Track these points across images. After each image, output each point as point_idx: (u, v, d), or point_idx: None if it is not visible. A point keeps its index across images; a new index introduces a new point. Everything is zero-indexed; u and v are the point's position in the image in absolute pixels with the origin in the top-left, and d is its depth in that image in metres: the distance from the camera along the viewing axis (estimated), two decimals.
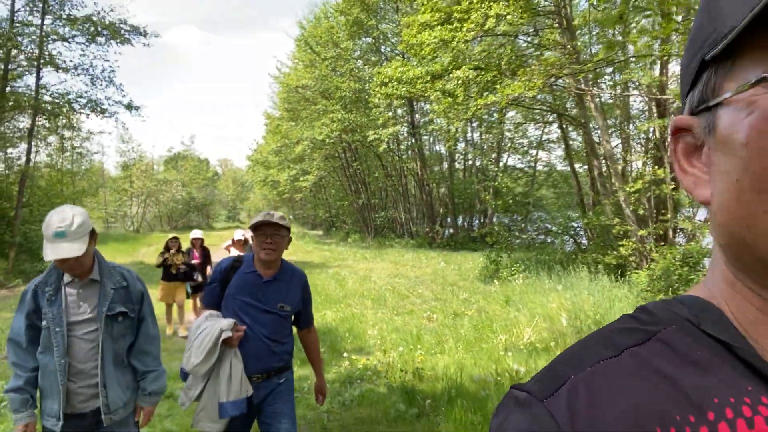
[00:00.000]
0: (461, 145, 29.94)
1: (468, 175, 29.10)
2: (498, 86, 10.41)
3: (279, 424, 2.65)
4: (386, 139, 21.89)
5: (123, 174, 50.65)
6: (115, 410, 2.46)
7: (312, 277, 14.05)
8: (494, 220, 27.07)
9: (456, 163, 30.04)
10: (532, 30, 12.91)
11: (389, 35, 25.11)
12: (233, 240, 7.61)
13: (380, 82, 13.52)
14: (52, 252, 2.25)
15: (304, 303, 2.86)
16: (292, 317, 2.84)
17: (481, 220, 28.11)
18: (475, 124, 26.57)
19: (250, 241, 7.59)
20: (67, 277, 2.45)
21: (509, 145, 28.27)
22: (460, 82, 10.89)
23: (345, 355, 6.19)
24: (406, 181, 29.53)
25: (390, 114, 20.65)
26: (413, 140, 26.56)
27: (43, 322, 2.38)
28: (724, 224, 0.44)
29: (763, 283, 0.44)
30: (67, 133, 19.84)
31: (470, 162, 29.74)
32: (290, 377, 2.84)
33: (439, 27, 11.42)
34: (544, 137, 26.41)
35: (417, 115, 26.49)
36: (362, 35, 25.17)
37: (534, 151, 27.33)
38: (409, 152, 28.35)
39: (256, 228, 2.70)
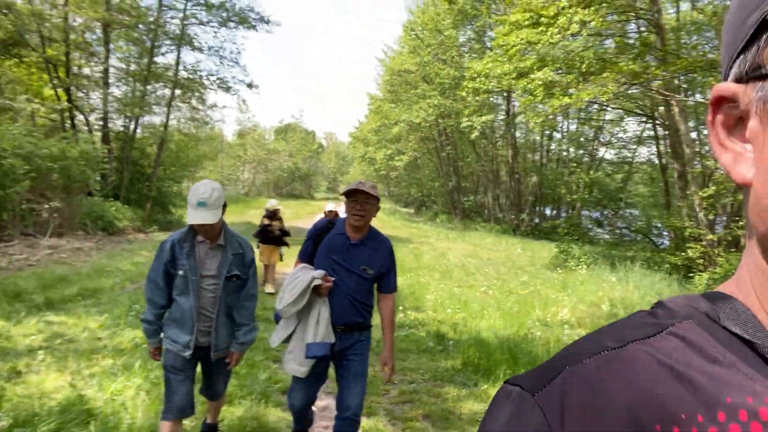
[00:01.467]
0: (557, 135, 30.06)
1: (559, 166, 29.18)
2: (574, 89, 11.17)
3: (352, 377, 2.92)
4: (479, 127, 22.78)
5: (239, 141, 55.46)
6: (220, 349, 2.97)
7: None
8: (582, 212, 27.16)
9: (550, 154, 30.18)
10: (618, 34, 13.33)
11: (491, 26, 25.73)
12: (324, 212, 8.71)
13: (469, 77, 14.59)
14: (194, 217, 2.72)
15: (388, 269, 2.99)
16: (375, 281, 3.01)
17: (569, 212, 28.21)
18: (572, 115, 26.61)
19: (340, 215, 8.69)
20: (199, 238, 2.91)
21: (607, 138, 27.96)
22: (540, 83, 11.76)
23: (401, 308, 7.68)
24: (497, 167, 30.18)
25: (479, 101, 21.45)
26: (507, 129, 27.12)
27: (180, 271, 2.85)
28: None
29: None
30: (194, 102, 22.67)
31: (564, 153, 29.79)
32: (368, 336, 3.05)
33: (527, 30, 12.28)
34: (644, 134, 25.90)
35: (515, 104, 27.03)
36: (466, 24, 25.98)
37: (634, 147, 26.88)
38: (503, 140, 28.92)
39: (348, 194, 2.91)
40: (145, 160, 20.43)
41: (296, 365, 2.80)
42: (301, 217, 26.57)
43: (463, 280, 11.38)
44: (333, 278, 2.85)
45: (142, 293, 7.91)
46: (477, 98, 18.20)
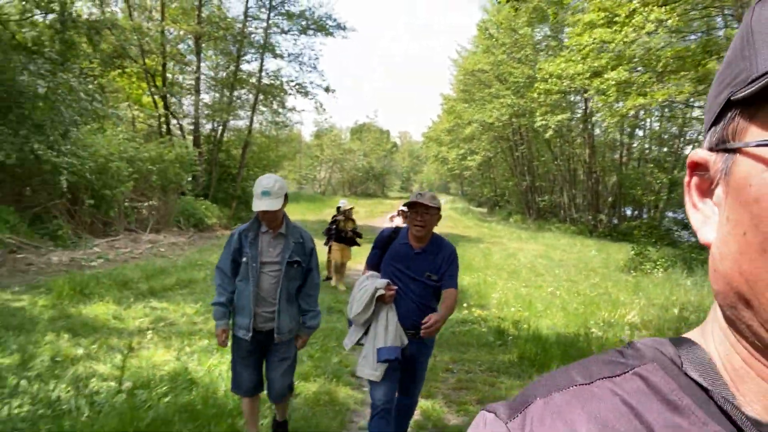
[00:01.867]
0: (639, 133, 28.94)
1: (641, 165, 28.07)
2: (648, 89, 10.97)
3: (414, 381, 3.18)
4: (553, 125, 22.47)
5: (316, 142, 57.41)
6: (283, 333, 3.16)
7: (462, 249, 15.87)
8: (667, 214, 26.00)
9: (631, 152, 29.09)
10: (701, 32, 12.85)
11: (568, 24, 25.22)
12: (398, 211, 9.28)
13: (541, 78, 14.57)
14: (258, 205, 2.99)
15: (450, 271, 3.10)
16: (439, 284, 3.10)
17: (651, 213, 27.09)
18: (655, 113, 25.56)
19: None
20: (263, 228, 3.13)
21: (694, 136, 26.59)
22: (613, 82, 11.63)
23: (465, 305, 8.02)
24: (574, 167, 29.50)
25: (553, 101, 21.16)
26: (584, 127, 26.47)
27: (243, 259, 3.09)
28: (723, 273, 0.42)
29: (752, 338, 0.42)
30: (275, 106, 23.92)
31: (647, 151, 28.63)
32: (433, 342, 3.25)
33: (600, 29, 12.16)
34: None
35: (591, 102, 26.31)
36: (542, 22, 25.63)
37: None
38: (580, 138, 28.23)
39: (409, 206, 3.07)
40: (230, 162, 21.89)
41: (370, 369, 2.92)
42: (375, 216, 27.31)
43: (531, 281, 11.49)
44: (395, 287, 2.98)
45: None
46: (551, 98, 18.03)
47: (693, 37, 13.41)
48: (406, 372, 3.10)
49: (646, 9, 11.11)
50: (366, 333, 3.02)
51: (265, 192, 2.99)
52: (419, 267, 3.04)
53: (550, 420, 0.45)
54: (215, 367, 4.44)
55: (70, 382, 3.77)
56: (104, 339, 5.21)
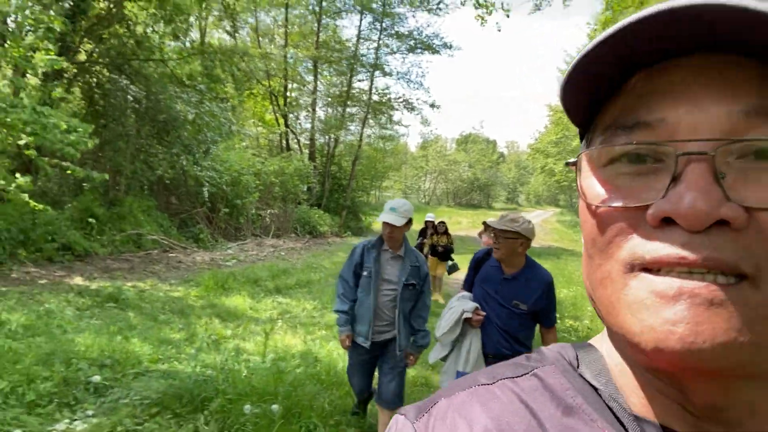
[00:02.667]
0: None
1: None
2: None
3: None
4: None
5: (421, 153, 58.71)
6: (402, 347, 3.33)
7: (564, 262, 15.92)
8: None
9: None
10: None
11: None
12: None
13: None
14: (384, 217, 3.18)
15: (545, 305, 2.92)
16: (532, 315, 2.94)
17: None
18: None
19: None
20: (385, 246, 3.32)
21: None
22: None
23: (559, 315, 8.44)
24: None
25: None
26: None
27: (365, 272, 3.27)
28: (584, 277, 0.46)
29: (610, 333, 0.46)
30: (383, 121, 25.23)
31: None
32: None
33: None
34: None
35: None
36: None
37: None
38: None
39: (487, 228, 3.51)
40: (341, 174, 23.50)
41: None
42: (478, 226, 27.65)
43: None
44: (484, 313, 2.94)
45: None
46: None
47: None
48: None
49: None
50: (451, 351, 3.04)
51: (393, 208, 3.22)
52: (507, 293, 2.92)
53: (450, 417, 0.48)
54: (334, 350, 5.40)
55: (228, 354, 4.89)
56: (246, 324, 6.42)
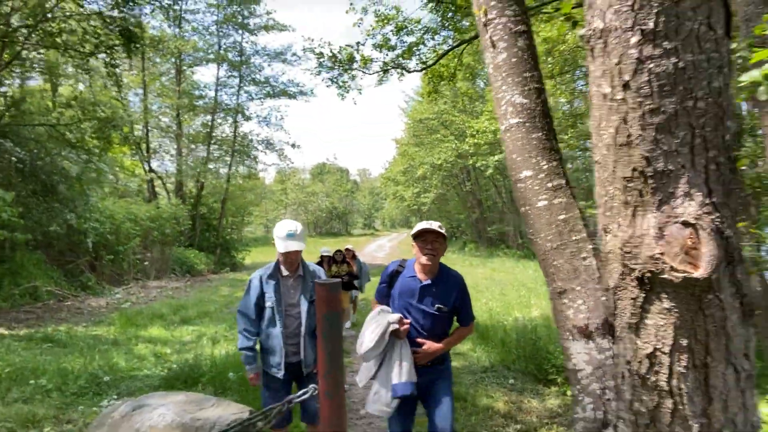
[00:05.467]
0: (570, 165, 33.03)
1: None
2: None
3: (440, 405, 3.00)
4: (492, 165, 26.07)
5: (279, 186, 60.21)
6: (309, 365, 3.35)
7: None
8: None
9: None
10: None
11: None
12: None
13: (470, 134, 18.04)
14: (286, 246, 3.17)
15: (463, 303, 3.08)
16: (452, 314, 3.08)
17: None
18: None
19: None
20: (283, 272, 3.32)
21: None
22: None
23: None
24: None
25: (488, 146, 24.79)
26: None
27: (268, 303, 3.26)
28: None
29: None
30: (248, 162, 26.76)
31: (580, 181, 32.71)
32: (449, 365, 3.18)
33: None
34: None
35: None
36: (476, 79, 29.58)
37: None
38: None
39: (418, 235, 2.99)
40: (210, 214, 24.49)
41: (382, 406, 2.89)
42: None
43: (473, 296, 14.55)
44: (409, 320, 2.97)
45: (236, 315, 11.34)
46: (483, 147, 21.51)
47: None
48: (427, 402, 3.07)
49: None
50: (379, 368, 2.97)
51: (290, 234, 3.21)
52: (429, 299, 2.99)
53: None
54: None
55: (191, 354, 6.53)
56: (176, 346, 7.94)
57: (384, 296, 3.20)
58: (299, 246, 3.25)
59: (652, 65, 1.15)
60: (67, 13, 12.06)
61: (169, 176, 23.93)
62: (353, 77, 9.38)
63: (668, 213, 1.19)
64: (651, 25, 1.14)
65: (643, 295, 1.27)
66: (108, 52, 11.75)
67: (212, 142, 23.93)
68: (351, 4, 9.41)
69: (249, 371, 3.34)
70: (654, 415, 1.34)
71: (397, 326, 2.90)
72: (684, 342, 1.23)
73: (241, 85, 24.47)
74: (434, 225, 2.99)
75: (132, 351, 7.42)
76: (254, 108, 31.34)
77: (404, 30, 9.72)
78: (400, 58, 9.21)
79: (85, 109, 13.89)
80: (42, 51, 12.85)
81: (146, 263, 16.99)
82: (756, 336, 1.30)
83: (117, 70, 12.25)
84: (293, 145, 25.28)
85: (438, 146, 30.52)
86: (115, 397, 4.94)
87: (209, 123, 24.14)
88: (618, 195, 1.28)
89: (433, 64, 9.50)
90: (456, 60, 10.01)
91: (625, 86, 1.19)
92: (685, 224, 1.17)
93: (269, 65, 32.06)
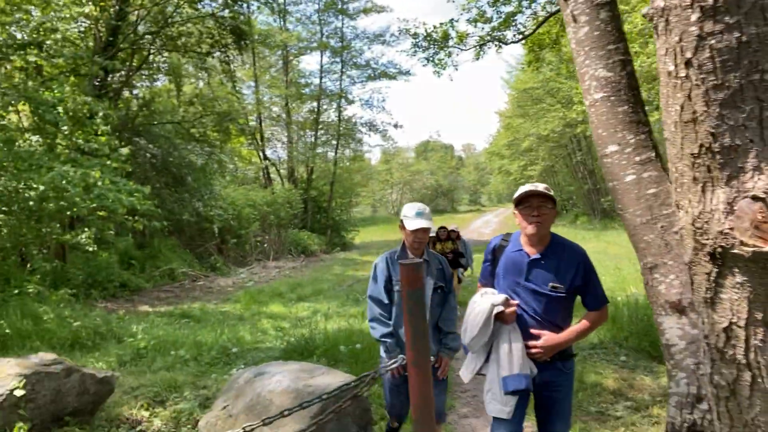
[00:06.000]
0: None
1: None
2: None
3: (554, 418, 2.60)
4: None
5: (384, 167, 61.38)
6: (433, 353, 3.10)
7: None
8: None
9: None
10: None
11: None
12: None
13: (578, 100, 17.12)
14: (415, 224, 3.07)
15: (585, 281, 2.54)
16: (574, 296, 2.58)
17: None
18: None
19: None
20: (409, 257, 3.16)
21: None
22: None
23: None
24: None
25: None
26: None
27: (396, 287, 3.11)
28: None
29: None
30: (353, 145, 27.62)
31: None
32: (572, 368, 2.65)
33: None
34: None
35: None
36: None
37: None
38: None
39: (520, 201, 2.57)
40: (320, 197, 25.70)
41: (499, 405, 2.50)
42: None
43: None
44: (516, 302, 2.56)
45: (350, 291, 12.01)
46: None
47: None
48: (541, 408, 2.64)
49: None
50: (487, 360, 2.60)
51: (419, 212, 3.11)
52: (540, 276, 2.54)
53: None
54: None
55: (307, 328, 7.09)
56: (294, 321, 8.60)
57: (489, 276, 2.80)
58: (429, 224, 3.12)
59: (713, 41, 1.14)
60: (185, 17, 13.18)
61: (282, 163, 25.40)
62: (449, 54, 9.35)
63: (737, 188, 1.18)
64: (711, 1, 1.13)
65: (716, 270, 1.27)
66: (222, 50, 12.69)
67: (319, 127, 24.97)
68: None
69: (393, 361, 2.32)
70: (734, 388, 1.34)
71: (502, 308, 2.50)
72: (759, 315, 1.23)
73: (344, 69, 25.20)
74: (540, 187, 2.55)
75: (256, 325, 8.15)
76: (357, 92, 32.54)
77: (501, 0, 9.47)
78: (497, 30, 9.01)
79: (206, 105, 15.20)
80: (165, 54, 14.20)
81: (265, 245, 18.29)
82: None
83: (231, 66, 13.20)
84: (396, 126, 25.84)
85: (544, 116, 29.37)
86: (242, 366, 5.50)
87: (315, 109, 25.16)
88: (687, 171, 1.28)
89: (532, 33, 9.20)
90: (558, 25, 9.60)
91: (688, 63, 1.19)
92: (755, 198, 1.16)
93: (369, 48, 32.76)
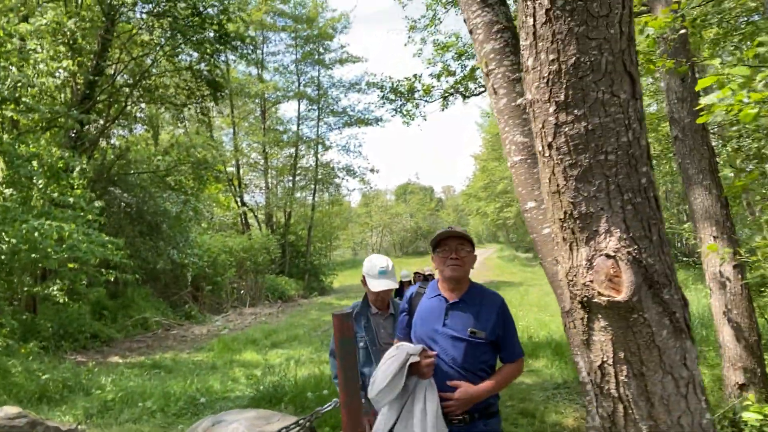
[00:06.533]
0: None
1: None
2: None
3: None
4: None
5: (364, 210, 61.80)
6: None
7: (503, 292, 18.66)
8: None
9: None
10: None
11: None
12: (401, 282, 8.77)
13: None
14: (378, 285, 3.05)
15: (505, 332, 2.39)
16: (493, 346, 2.38)
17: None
18: None
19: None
20: (372, 310, 3.21)
21: None
22: None
23: None
24: None
25: None
26: None
27: (361, 343, 3.10)
28: None
29: None
30: (331, 190, 27.95)
31: None
32: (496, 427, 2.42)
33: None
34: None
35: None
36: None
37: None
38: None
39: (438, 243, 2.46)
40: (298, 241, 25.79)
41: None
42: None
43: (552, 310, 14.30)
44: (434, 352, 2.34)
45: (324, 336, 12.02)
46: None
47: None
48: None
49: None
50: (398, 418, 2.29)
51: (383, 271, 3.07)
52: (460, 321, 2.37)
53: None
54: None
55: (278, 375, 7.12)
56: (266, 368, 8.60)
57: (405, 328, 2.60)
58: (392, 285, 3.09)
59: (567, 129, 1.40)
60: (162, 70, 13.54)
61: (260, 208, 25.56)
62: (417, 105, 9.80)
63: (594, 247, 1.42)
64: (562, 97, 1.40)
65: (587, 315, 1.50)
66: (198, 102, 13.02)
67: (297, 172, 25.34)
68: (409, 36, 9.92)
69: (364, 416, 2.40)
70: (614, 419, 1.55)
71: (417, 358, 2.25)
72: (621, 354, 1.45)
73: (321, 116, 25.77)
74: (458, 229, 2.49)
75: (227, 374, 8.14)
76: (334, 137, 33.33)
77: (465, 55, 10.00)
78: (460, 84, 9.51)
79: (182, 154, 15.42)
80: (143, 105, 14.50)
81: (242, 291, 18.23)
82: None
83: (208, 117, 13.52)
84: (372, 170, 26.18)
85: None
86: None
87: (293, 155, 25.57)
88: (558, 233, 1.52)
89: None
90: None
91: (549, 146, 1.45)
92: (608, 256, 1.40)
93: (346, 96, 33.56)
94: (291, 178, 25.52)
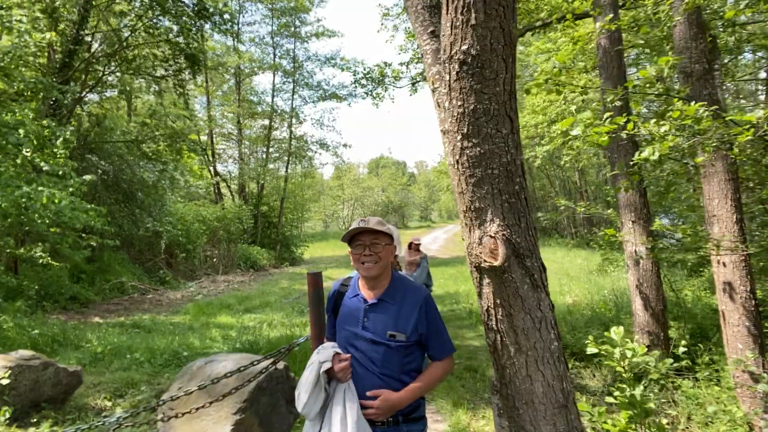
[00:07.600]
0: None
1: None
2: None
3: None
4: (540, 156, 26.39)
5: (336, 182, 62.26)
6: None
7: (450, 268, 19.65)
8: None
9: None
10: None
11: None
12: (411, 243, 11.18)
13: None
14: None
15: (431, 329, 2.30)
16: (418, 347, 2.32)
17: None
18: None
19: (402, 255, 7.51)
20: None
21: None
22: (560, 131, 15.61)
23: (446, 302, 11.94)
24: (568, 188, 33.29)
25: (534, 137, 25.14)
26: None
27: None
28: None
29: None
30: (304, 163, 28.35)
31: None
32: (423, 426, 2.34)
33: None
34: None
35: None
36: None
37: None
38: (571, 163, 32.03)
39: (351, 240, 2.35)
40: (270, 212, 26.26)
41: None
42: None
43: None
44: (348, 355, 2.23)
45: (294, 303, 12.76)
46: (526, 138, 22.06)
47: None
48: None
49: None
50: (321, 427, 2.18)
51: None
52: (378, 324, 2.26)
53: None
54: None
55: (254, 334, 7.82)
56: (240, 330, 9.31)
57: (331, 329, 2.47)
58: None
59: (468, 151, 2.12)
60: (141, 41, 13.75)
61: (233, 178, 25.86)
62: (386, 89, 10.43)
63: (483, 230, 2.16)
64: (465, 130, 2.11)
65: (479, 275, 2.25)
66: (175, 74, 13.33)
67: (271, 144, 25.64)
68: (382, 24, 10.47)
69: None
70: (495, 346, 2.31)
71: (329, 365, 2.19)
72: (498, 301, 2.20)
73: (296, 89, 26.01)
74: (371, 222, 2.34)
75: (205, 334, 8.82)
76: (308, 111, 33.41)
77: None
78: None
79: (158, 123, 15.70)
80: (118, 74, 14.67)
81: (215, 260, 18.77)
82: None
83: (184, 88, 13.83)
84: (345, 145, 26.69)
85: None
86: None
87: (267, 127, 25.84)
88: (463, 220, 2.26)
89: None
90: None
91: (457, 162, 2.16)
92: (491, 236, 2.14)
93: (321, 70, 33.84)
94: (264, 149, 25.83)
